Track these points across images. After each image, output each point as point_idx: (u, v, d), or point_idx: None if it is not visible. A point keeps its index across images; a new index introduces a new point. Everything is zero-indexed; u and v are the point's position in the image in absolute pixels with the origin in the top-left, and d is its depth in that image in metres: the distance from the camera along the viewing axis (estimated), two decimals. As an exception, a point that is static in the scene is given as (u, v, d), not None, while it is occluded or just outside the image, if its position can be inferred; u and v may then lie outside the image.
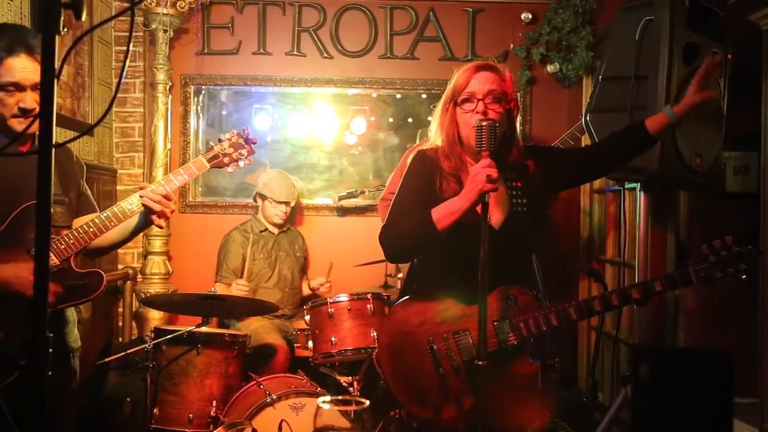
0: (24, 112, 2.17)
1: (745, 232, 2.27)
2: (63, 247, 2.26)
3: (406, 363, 2.28)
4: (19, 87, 2.16)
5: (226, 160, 2.53)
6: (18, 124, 2.18)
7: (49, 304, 2.17)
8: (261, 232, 4.33)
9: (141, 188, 2.34)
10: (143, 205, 2.30)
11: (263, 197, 4.31)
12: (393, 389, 2.30)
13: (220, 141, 2.57)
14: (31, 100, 2.17)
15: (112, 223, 2.30)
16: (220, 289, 3.99)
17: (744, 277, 2.15)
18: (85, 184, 2.53)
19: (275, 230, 4.36)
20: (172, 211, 2.37)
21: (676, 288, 2.19)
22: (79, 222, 2.40)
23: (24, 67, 2.15)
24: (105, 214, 2.31)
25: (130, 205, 2.33)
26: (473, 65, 2.36)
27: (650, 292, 2.20)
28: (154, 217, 2.32)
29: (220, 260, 4.25)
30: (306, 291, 4.44)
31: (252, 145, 2.59)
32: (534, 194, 2.41)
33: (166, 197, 2.32)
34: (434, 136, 2.45)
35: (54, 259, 2.23)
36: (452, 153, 2.36)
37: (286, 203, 4.29)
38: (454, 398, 2.23)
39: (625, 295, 2.22)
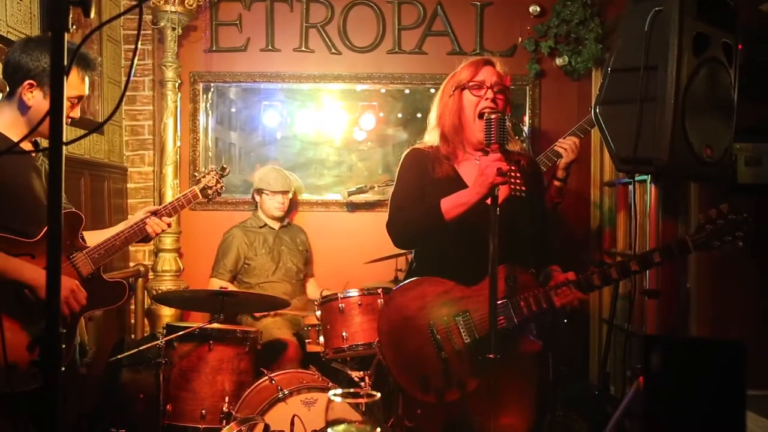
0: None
1: None
2: (97, 256, 2.49)
3: (408, 348, 2.29)
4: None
5: (210, 192, 2.99)
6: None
7: (78, 310, 2.36)
8: (261, 227, 4.35)
9: (151, 212, 2.69)
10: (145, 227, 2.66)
11: (261, 192, 4.35)
12: (395, 375, 2.32)
13: (204, 175, 3.01)
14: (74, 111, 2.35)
15: (137, 237, 2.63)
16: (213, 285, 4.08)
17: (741, 244, 2.17)
18: None
19: (275, 225, 4.38)
20: None
21: (675, 257, 2.20)
22: (100, 235, 2.61)
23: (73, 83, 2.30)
24: (130, 230, 2.62)
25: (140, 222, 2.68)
26: (480, 59, 2.48)
27: (649, 263, 2.22)
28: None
29: (219, 257, 4.28)
30: (313, 295, 4.34)
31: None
32: (529, 184, 2.44)
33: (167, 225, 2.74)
34: (433, 126, 2.50)
35: (90, 267, 2.46)
36: (453, 138, 2.41)
37: (283, 193, 4.32)
38: (457, 381, 2.25)
39: (625, 268, 2.23)
